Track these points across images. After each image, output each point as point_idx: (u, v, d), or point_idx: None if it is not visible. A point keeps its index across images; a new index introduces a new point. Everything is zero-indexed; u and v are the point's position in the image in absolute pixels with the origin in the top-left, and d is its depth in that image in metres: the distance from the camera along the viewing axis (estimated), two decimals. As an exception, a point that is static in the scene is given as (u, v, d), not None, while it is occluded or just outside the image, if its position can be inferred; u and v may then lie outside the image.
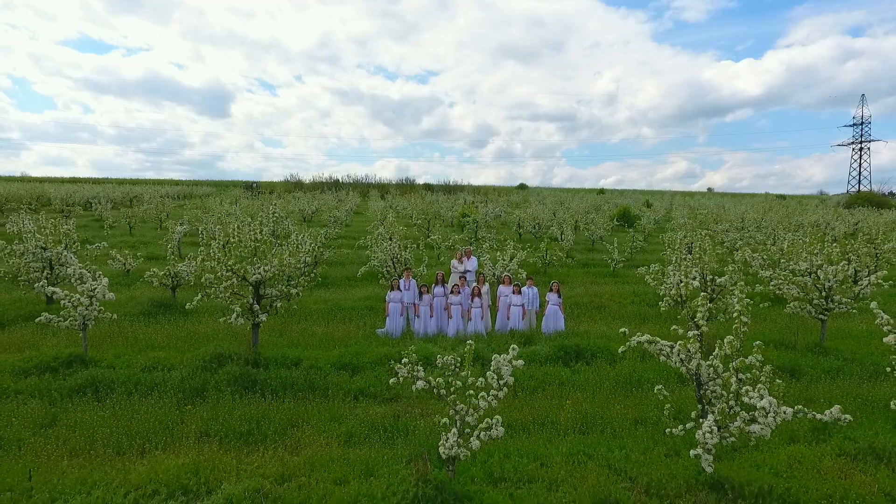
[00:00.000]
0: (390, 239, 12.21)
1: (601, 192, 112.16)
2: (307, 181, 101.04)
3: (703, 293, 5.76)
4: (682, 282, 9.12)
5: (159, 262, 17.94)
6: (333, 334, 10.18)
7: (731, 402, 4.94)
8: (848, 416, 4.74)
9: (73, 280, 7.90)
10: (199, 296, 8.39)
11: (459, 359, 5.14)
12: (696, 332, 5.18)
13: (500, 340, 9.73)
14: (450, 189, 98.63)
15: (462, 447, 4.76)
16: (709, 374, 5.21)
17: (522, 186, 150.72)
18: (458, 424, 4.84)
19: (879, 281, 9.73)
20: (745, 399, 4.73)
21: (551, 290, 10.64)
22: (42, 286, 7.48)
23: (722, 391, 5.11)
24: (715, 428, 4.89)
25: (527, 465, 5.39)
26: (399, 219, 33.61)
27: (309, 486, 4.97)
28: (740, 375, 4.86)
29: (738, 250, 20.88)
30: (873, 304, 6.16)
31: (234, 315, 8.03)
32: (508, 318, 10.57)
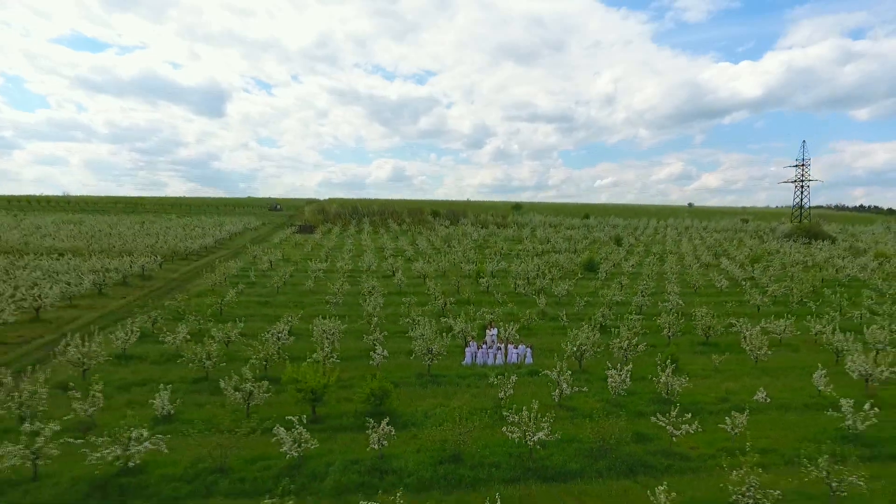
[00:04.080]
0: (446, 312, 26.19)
1: (586, 217, 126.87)
2: (331, 210, 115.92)
3: (574, 350, 20.29)
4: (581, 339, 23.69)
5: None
6: (441, 364, 24.64)
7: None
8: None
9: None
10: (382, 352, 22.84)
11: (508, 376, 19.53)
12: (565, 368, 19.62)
13: (510, 368, 24.18)
14: (454, 217, 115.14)
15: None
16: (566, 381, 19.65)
17: (517, 206, 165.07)
18: (503, 392, 19.21)
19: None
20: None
21: (529, 347, 25.29)
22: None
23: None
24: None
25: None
26: (428, 266, 47.69)
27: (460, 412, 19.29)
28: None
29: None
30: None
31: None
32: (515, 359, 25.10)
